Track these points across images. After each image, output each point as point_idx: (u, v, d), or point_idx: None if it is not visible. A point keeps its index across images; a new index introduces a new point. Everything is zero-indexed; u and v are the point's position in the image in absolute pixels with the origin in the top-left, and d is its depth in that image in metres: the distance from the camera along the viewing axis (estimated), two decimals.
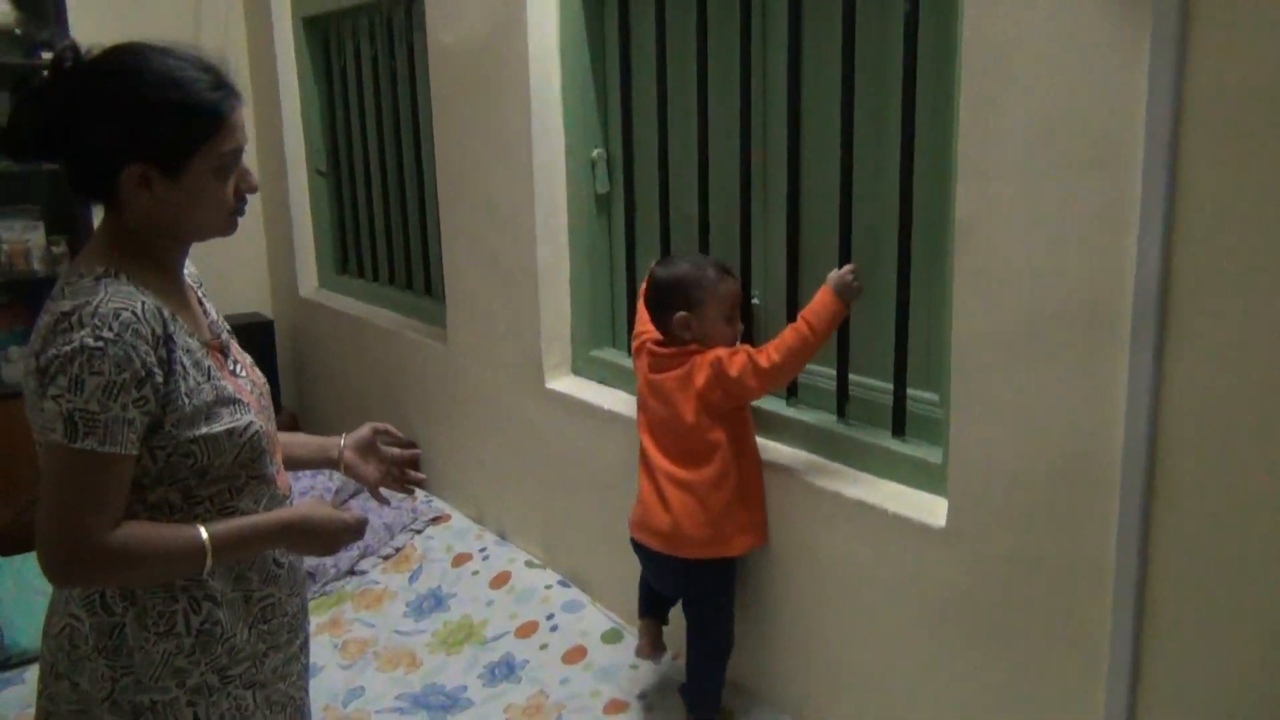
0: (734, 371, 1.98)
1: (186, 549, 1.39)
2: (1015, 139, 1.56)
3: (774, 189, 2.18)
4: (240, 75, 4.31)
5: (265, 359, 4.03)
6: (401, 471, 1.89)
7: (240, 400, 1.46)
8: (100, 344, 1.29)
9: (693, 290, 2.05)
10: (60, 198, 3.55)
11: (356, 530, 1.55)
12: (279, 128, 4.00)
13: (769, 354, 1.95)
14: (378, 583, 2.81)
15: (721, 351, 2.02)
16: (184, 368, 1.38)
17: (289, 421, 4.02)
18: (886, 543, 1.87)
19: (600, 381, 2.68)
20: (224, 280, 4.19)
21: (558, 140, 2.63)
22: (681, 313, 2.05)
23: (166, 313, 1.38)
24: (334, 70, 3.84)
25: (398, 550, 2.93)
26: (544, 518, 2.86)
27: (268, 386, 1.62)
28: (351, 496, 3.08)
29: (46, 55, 3.36)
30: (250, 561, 1.51)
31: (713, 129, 2.29)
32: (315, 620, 2.64)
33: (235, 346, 1.59)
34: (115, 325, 1.30)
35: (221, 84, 1.43)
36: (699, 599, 2.14)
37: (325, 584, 2.79)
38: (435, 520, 3.05)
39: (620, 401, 2.53)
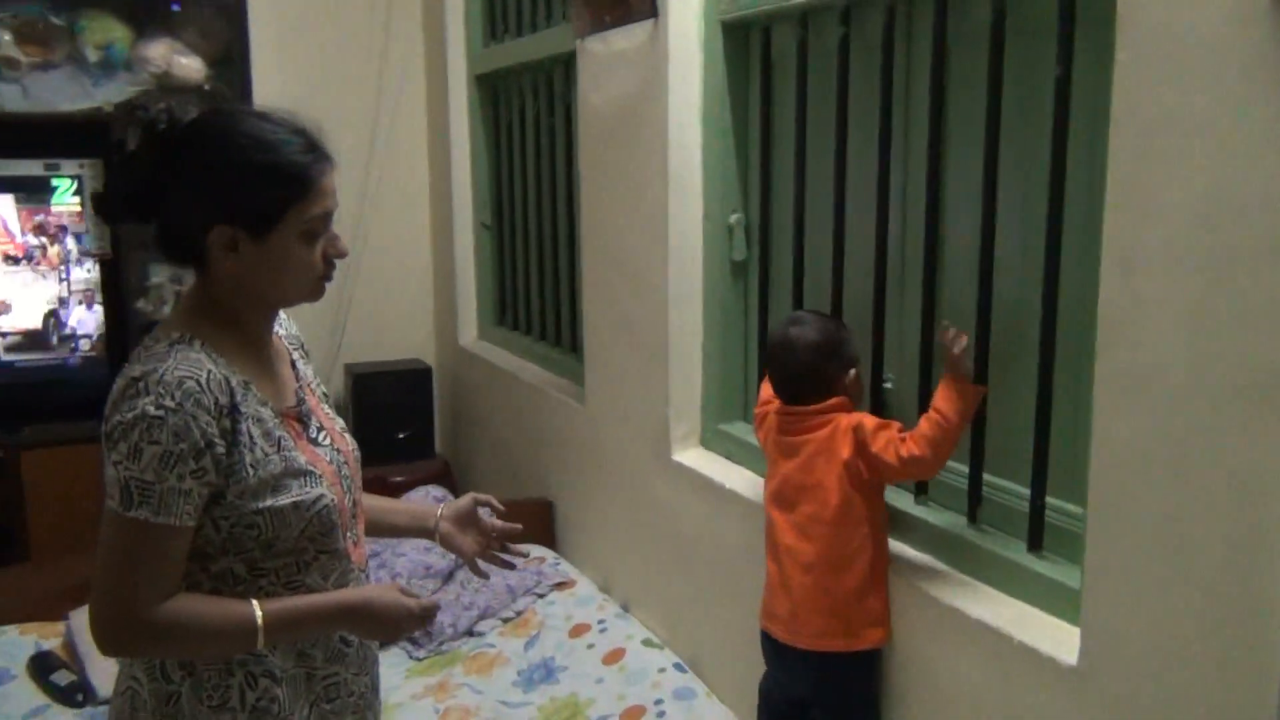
0: (876, 447, 1.84)
1: (238, 627, 1.35)
2: (1168, 225, 1.35)
3: (910, 269, 2.01)
4: (418, 132, 4.46)
5: (422, 405, 4.10)
6: (502, 545, 1.82)
7: (313, 472, 1.42)
8: (161, 413, 1.28)
9: (848, 345, 1.98)
10: None
11: (422, 618, 1.48)
12: (449, 181, 4.10)
13: (910, 446, 1.80)
14: (493, 646, 2.75)
15: (866, 420, 1.88)
16: (250, 438, 1.36)
17: (441, 468, 4.06)
18: (1009, 675, 1.65)
19: (728, 457, 2.55)
20: (391, 326, 4.33)
21: (695, 204, 2.53)
22: (854, 370, 1.97)
23: (235, 381, 1.36)
24: (501, 127, 3.90)
25: (518, 614, 2.87)
26: (666, 594, 2.73)
27: (357, 454, 1.58)
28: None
29: None
30: (314, 638, 1.47)
31: (850, 201, 2.15)
32: (424, 681, 2.60)
33: (323, 412, 1.56)
34: (178, 394, 1.29)
35: (313, 148, 1.42)
36: (828, 704, 1.95)
37: (441, 643, 2.75)
38: (560, 585, 2.97)
39: (744, 482, 2.38)
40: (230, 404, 1.33)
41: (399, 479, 3.83)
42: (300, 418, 1.48)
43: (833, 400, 1.94)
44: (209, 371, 1.32)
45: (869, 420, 1.89)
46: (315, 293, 1.47)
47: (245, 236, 1.36)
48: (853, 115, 2.12)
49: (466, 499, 1.79)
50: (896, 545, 1.98)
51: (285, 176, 1.37)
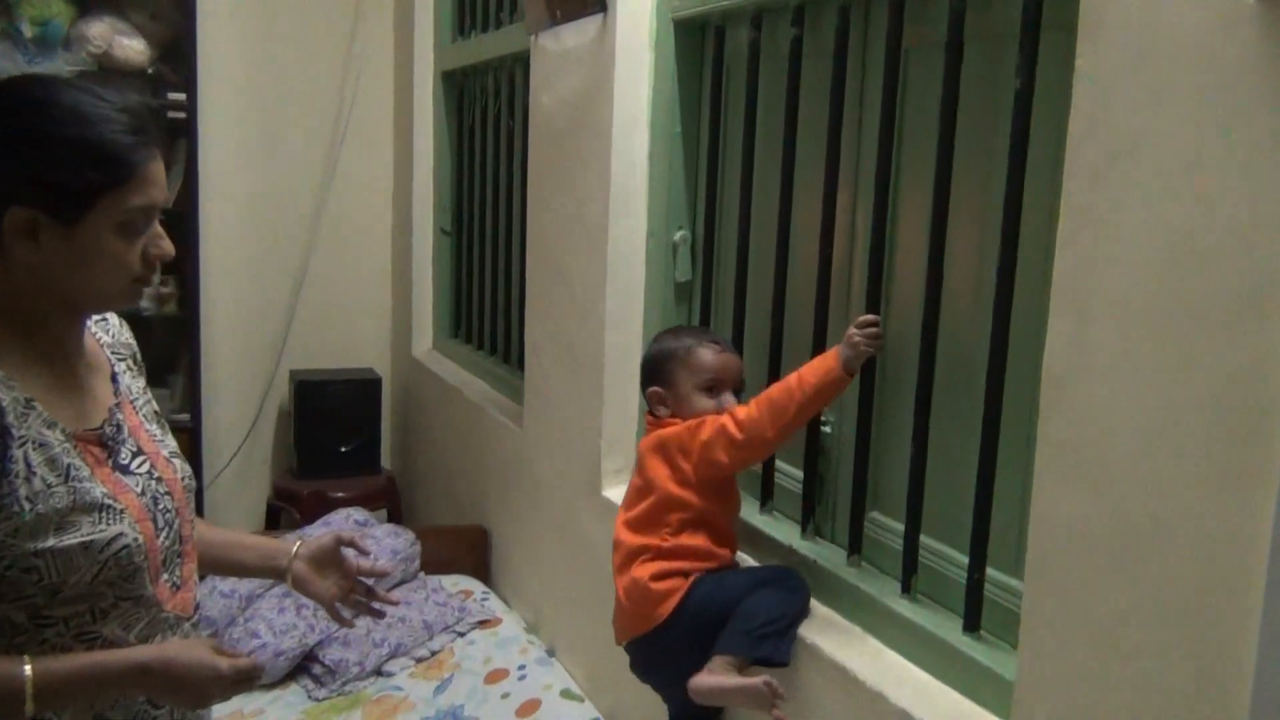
0: (705, 434, 1.74)
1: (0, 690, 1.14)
2: (1126, 270, 1.13)
3: (855, 302, 1.79)
4: (383, 129, 4.22)
5: (370, 417, 3.88)
6: (369, 591, 1.61)
7: (111, 507, 1.21)
8: None
9: (666, 362, 1.86)
10: (177, 237, 3.51)
11: (235, 681, 1.26)
12: (410, 183, 3.89)
13: (747, 409, 1.69)
14: (400, 689, 2.52)
15: (708, 418, 1.77)
16: (27, 467, 1.15)
17: (385, 485, 3.84)
18: None
19: None
20: (344, 331, 4.11)
21: (639, 218, 2.32)
22: (654, 387, 1.86)
23: (9, 399, 1.15)
24: (464, 127, 3.69)
25: (433, 654, 2.64)
26: (592, 639, 2.51)
27: (184, 484, 1.36)
28: (396, 585, 2.81)
29: (175, 96, 3.36)
30: (104, 702, 1.25)
31: (796, 222, 1.94)
32: None
33: (146, 434, 1.34)
34: None
35: (140, 129, 1.21)
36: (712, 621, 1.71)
37: (345, 683, 2.52)
38: (484, 623, 2.75)
39: None
40: None
41: (339, 494, 3.62)
42: (103, 442, 1.26)
43: (674, 419, 1.84)
44: None
45: (709, 418, 1.77)
46: (129, 296, 1.26)
47: (48, 222, 1.17)
48: (803, 126, 1.91)
49: (328, 537, 1.59)
50: (825, 611, 1.76)
51: (102, 156, 1.17)
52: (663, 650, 1.78)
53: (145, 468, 1.30)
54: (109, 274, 1.22)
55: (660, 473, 1.79)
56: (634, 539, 1.81)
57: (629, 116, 2.28)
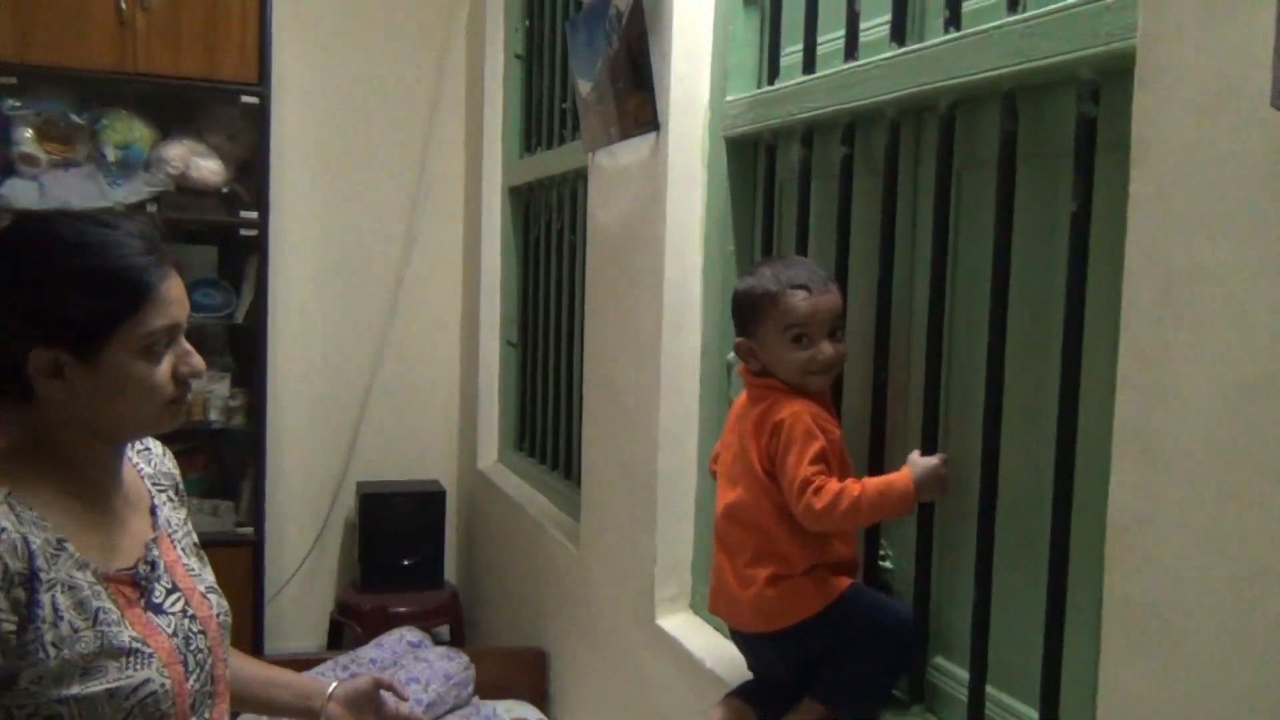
0: (792, 476, 1.57)
1: None
2: (1193, 412, 1.03)
3: (913, 418, 1.70)
4: (453, 243, 4.30)
5: (434, 530, 3.85)
6: None
7: (140, 651, 1.17)
8: None
9: (749, 311, 1.67)
10: (246, 350, 3.58)
11: None
12: (478, 295, 3.92)
13: (831, 497, 1.55)
14: None
15: (799, 422, 1.59)
16: (55, 612, 1.12)
17: (448, 599, 3.78)
18: None
19: (718, 628, 2.21)
20: (414, 444, 4.11)
21: (693, 336, 2.26)
22: (739, 339, 1.71)
23: (40, 542, 1.12)
24: (530, 242, 3.72)
25: None
26: None
27: (220, 620, 1.32)
28: (449, 711, 2.72)
29: (248, 214, 3.45)
30: None
31: (852, 341, 1.85)
32: None
33: (183, 569, 1.30)
34: None
35: (152, 249, 1.19)
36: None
37: None
38: None
39: (733, 662, 2.03)
40: (27, 570, 1.10)
41: (402, 609, 3.57)
42: (136, 581, 1.22)
43: (771, 379, 1.67)
44: (1, 530, 1.09)
45: (800, 425, 1.59)
46: (165, 419, 1.24)
47: (70, 359, 1.15)
48: (855, 245, 1.84)
49: (365, 679, 1.54)
50: None
51: (113, 284, 1.16)
52: (799, 643, 1.65)
53: (179, 605, 1.26)
54: (140, 400, 1.19)
55: (754, 449, 1.65)
56: (730, 524, 1.70)
57: (682, 233, 2.24)
